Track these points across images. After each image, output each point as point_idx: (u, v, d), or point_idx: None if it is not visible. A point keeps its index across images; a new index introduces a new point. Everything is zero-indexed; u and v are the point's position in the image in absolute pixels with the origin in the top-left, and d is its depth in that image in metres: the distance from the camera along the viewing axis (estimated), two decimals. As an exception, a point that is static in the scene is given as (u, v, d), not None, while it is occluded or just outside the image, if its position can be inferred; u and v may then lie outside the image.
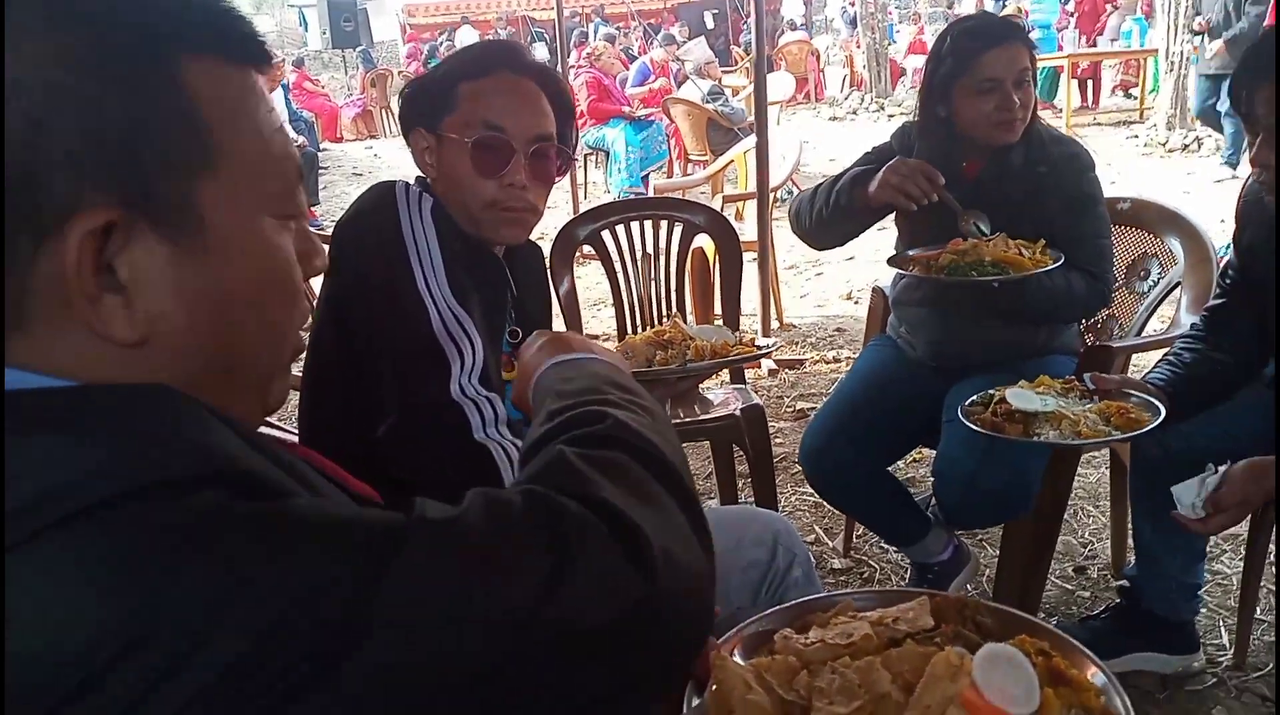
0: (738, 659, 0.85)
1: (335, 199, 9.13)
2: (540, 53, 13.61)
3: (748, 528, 1.35)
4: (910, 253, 1.99)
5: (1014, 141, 1.95)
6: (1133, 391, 1.66)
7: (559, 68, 7.19)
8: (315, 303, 1.34)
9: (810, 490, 2.73)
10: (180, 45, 0.55)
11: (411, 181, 1.37)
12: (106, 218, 0.51)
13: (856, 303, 4.92)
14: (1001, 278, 1.81)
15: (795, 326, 4.70)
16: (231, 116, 0.57)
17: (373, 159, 12.37)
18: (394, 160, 11.59)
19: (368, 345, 1.25)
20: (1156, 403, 1.60)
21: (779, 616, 0.93)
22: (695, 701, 0.80)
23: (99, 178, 0.51)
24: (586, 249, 2.60)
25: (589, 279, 4.68)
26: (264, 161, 0.59)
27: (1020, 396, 1.63)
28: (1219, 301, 1.79)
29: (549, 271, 2.43)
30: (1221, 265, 1.88)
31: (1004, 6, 13.06)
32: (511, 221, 1.35)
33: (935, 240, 1.95)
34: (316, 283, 1.07)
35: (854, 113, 13.67)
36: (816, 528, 2.69)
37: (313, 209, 8.17)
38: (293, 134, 8.72)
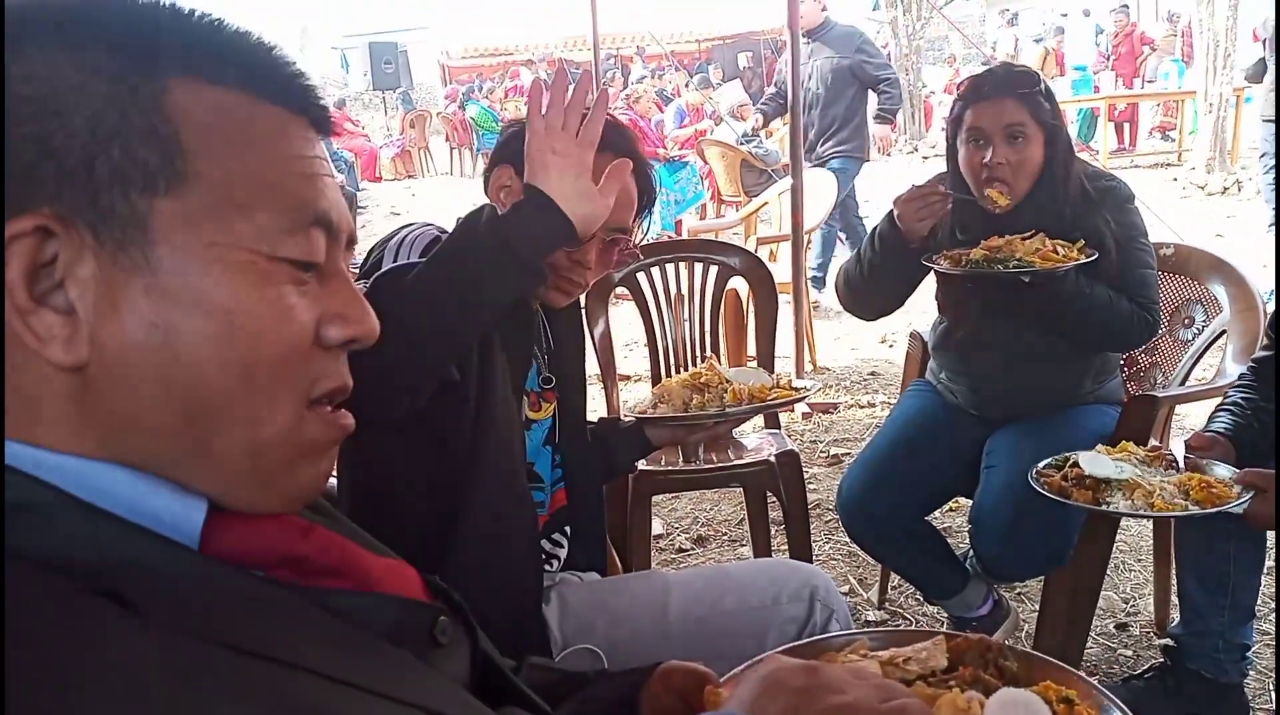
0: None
1: (372, 239, 9.23)
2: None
3: (786, 582, 1.33)
4: (945, 252, 1.95)
5: (1005, 206, 1.91)
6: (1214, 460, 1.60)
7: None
8: None
9: (844, 538, 2.69)
10: (174, 67, 0.54)
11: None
12: (39, 221, 0.49)
13: (891, 347, 4.89)
14: (1032, 270, 1.77)
15: (829, 370, 4.67)
16: (222, 145, 0.54)
17: (410, 199, 12.54)
18: (432, 200, 11.74)
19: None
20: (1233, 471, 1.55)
21: (798, 649, 0.89)
22: None
23: (46, 183, 0.50)
24: (620, 290, 2.60)
25: (623, 319, 4.68)
26: (253, 195, 0.55)
27: (1094, 461, 1.57)
28: (1267, 351, 1.75)
29: (585, 310, 2.45)
30: (1270, 313, 1.84)
31: (1043, 49, 13.08)
32: (562, 292, 1.35)
33: (979, 302, 1.94)
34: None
35: (888, 154, 13.67)
36: (851, 578, 2.64)
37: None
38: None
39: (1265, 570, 1.86)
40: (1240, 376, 1.79)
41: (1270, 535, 2.04)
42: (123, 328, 0.51)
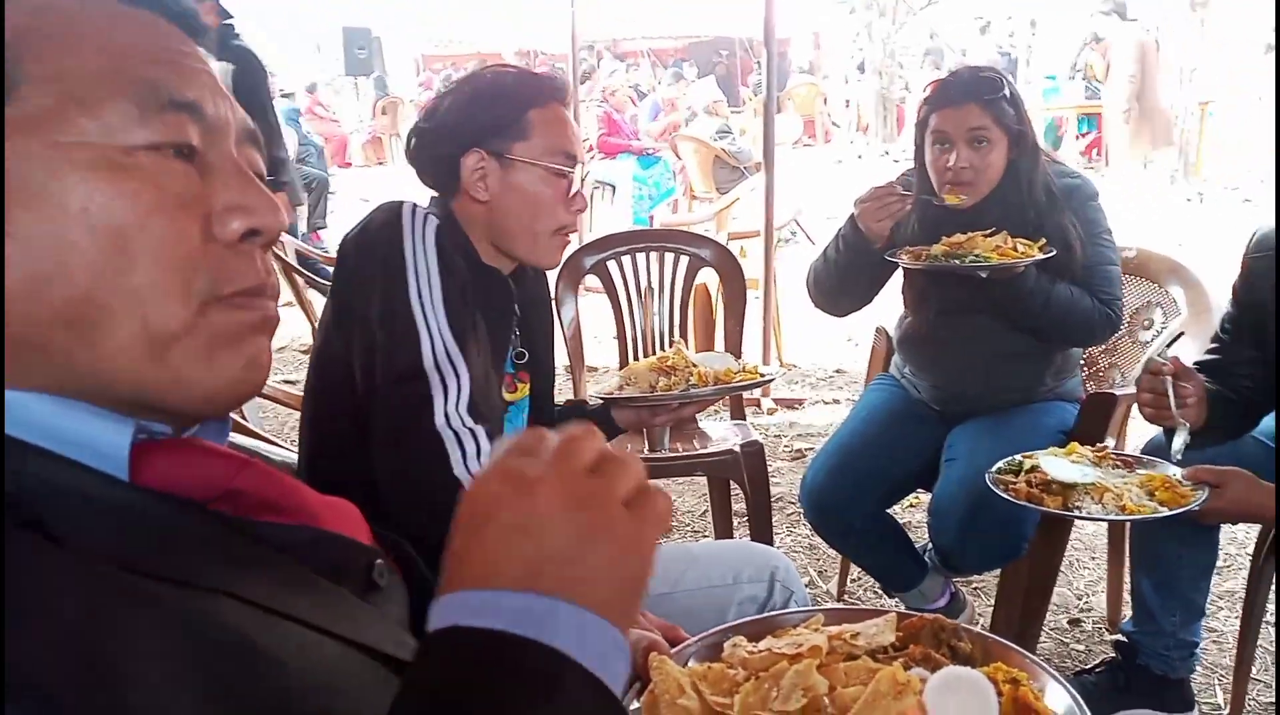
0: (691, 665, 0.82)
1: (343, 225, 9.16)
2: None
3: (747, 562, 1.34)
4: (907, 248, 1.98)
5: (967, 205, 1.95)
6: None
7: (573, 101, 7.27)
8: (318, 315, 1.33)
9: (805, 531, 2.71)
10: None
11: (422, 202, 1.38)
12: None
13: (856, 345, 4.92)
14: (990, 265, 1.80)
15: (795, 366, 4.70)
16: (48, 43, 0.52)
17: (381, 186, 12.43)
18: (403, 187, 11.65)
19: (361, 366, 1.24)
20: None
21: (741, 628, 0.89)
22: (634, 705, 0.78)
23: None
24: (589, 282, 2.60)
25: (591, 311, 4.68)
26: (94, 88, 0.52)
27: (1057, 466, 1.59)
28: (1214, 355, 1.79)
29: (554, 298, 2.45)
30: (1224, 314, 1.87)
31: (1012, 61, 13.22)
32: (564, 245, 1.43)
33: (941, 297, 1.96)
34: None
35: (859, 156, 13.77)
36: (811, 570, 2.66)
37: (319, 233, 8.21)
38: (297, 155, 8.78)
39: (1214, 571, 1.91)
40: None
41: (1230, 537, 2.10)
42: None
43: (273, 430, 3.30)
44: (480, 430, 1.21)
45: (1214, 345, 1.80)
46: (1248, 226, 1.76)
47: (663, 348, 2.59)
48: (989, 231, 1.88)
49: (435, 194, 1.42)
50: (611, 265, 2.56)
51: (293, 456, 1.36)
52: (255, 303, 0.58)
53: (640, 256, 2.59)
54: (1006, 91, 1.94)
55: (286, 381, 4.10)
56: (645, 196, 7.53)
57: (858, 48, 16.20)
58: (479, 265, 1.37)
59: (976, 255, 1.82)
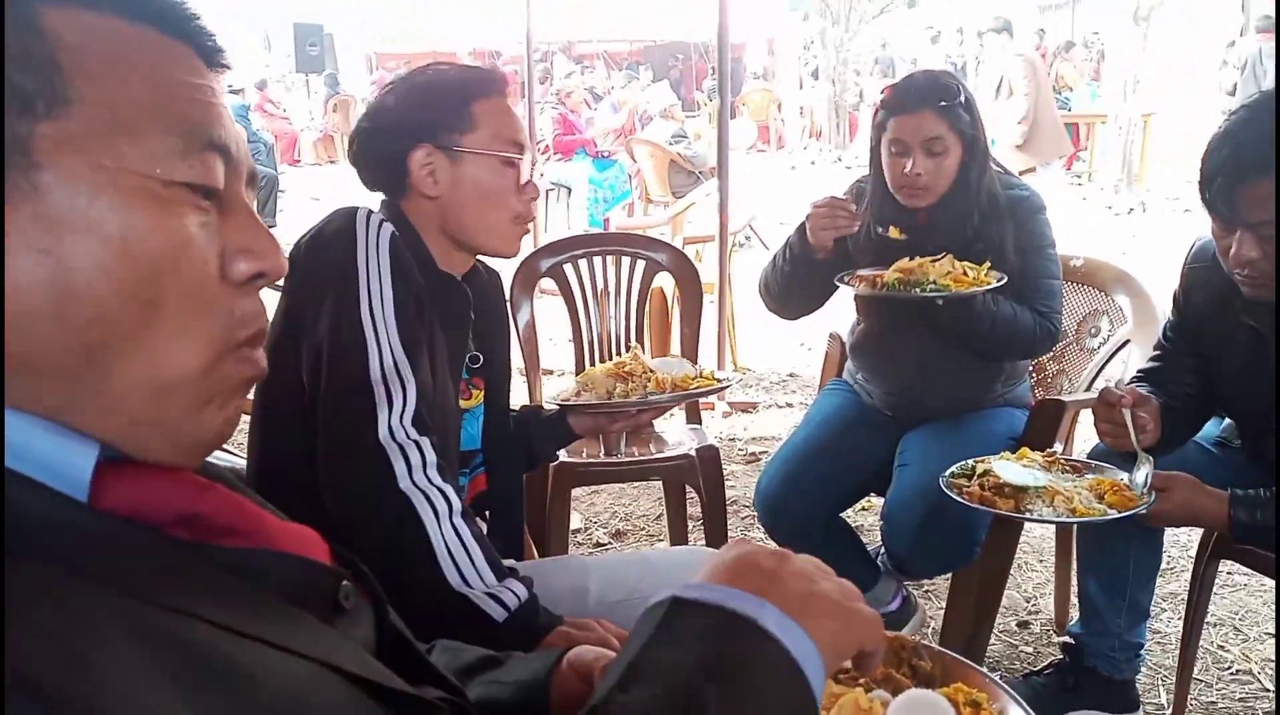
0: None
1: (293, 224, 9.03)
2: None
3: (700, 570, 1.33)
4: (859, 272, 2.00)
5: (918, 207, 1.98)
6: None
7: (525, 102, 7.22)
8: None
9: (760, 534, 2.71)
10: None
11: (375, 207, 1.35)
12: None
13: (810, 350, 4.96)
14: (945, 294, 1.82)
15: (750, 370, 4.72)
16: (103, 66, 0.52)
17: (331, 184, 12.28)
18: (354, 186, 11.50)
19: (309, 376, 1.22)
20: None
21: None
22: None
23: None
24: (546, 284, 2.59)
25: (547, 313, 4.66)
26: (141, 117, 0.53)
27: (1009, 470, 1.61)
28: (1156, 363, 1.82)
29: (509, 301, 2.43)
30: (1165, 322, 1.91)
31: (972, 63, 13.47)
32: (523, 234, 1.42)
33: (893, 315, 1.98)
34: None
35: (813, 162, 13.91)
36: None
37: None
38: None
39: (1160, 572, 1.95)
40: (1134, 377, 1.85)
41: (1173, 540, 2.15)
42: (12, 258, 0.48)
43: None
44: (425, 442, 1.19)
45: (1156, 353, 1.84)
46: (1188, 236, 1.80)
47: (619, 351, 2.59)
48: (936, 257, 1.90)
49: (384, 197, 1.39)
50: (568, 268, 2.55)
51: (243, 462, 1.33)
52: (255, 355, 0.59)
53: (596, 260, 2.58)
54: (962, 97, 1.96)
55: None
56: (601, 199, 7.52)
57: (811, 55, 16.36)
58: (435, 272, 1.35)
59: (934, 283, 1.83)
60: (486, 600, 1.15)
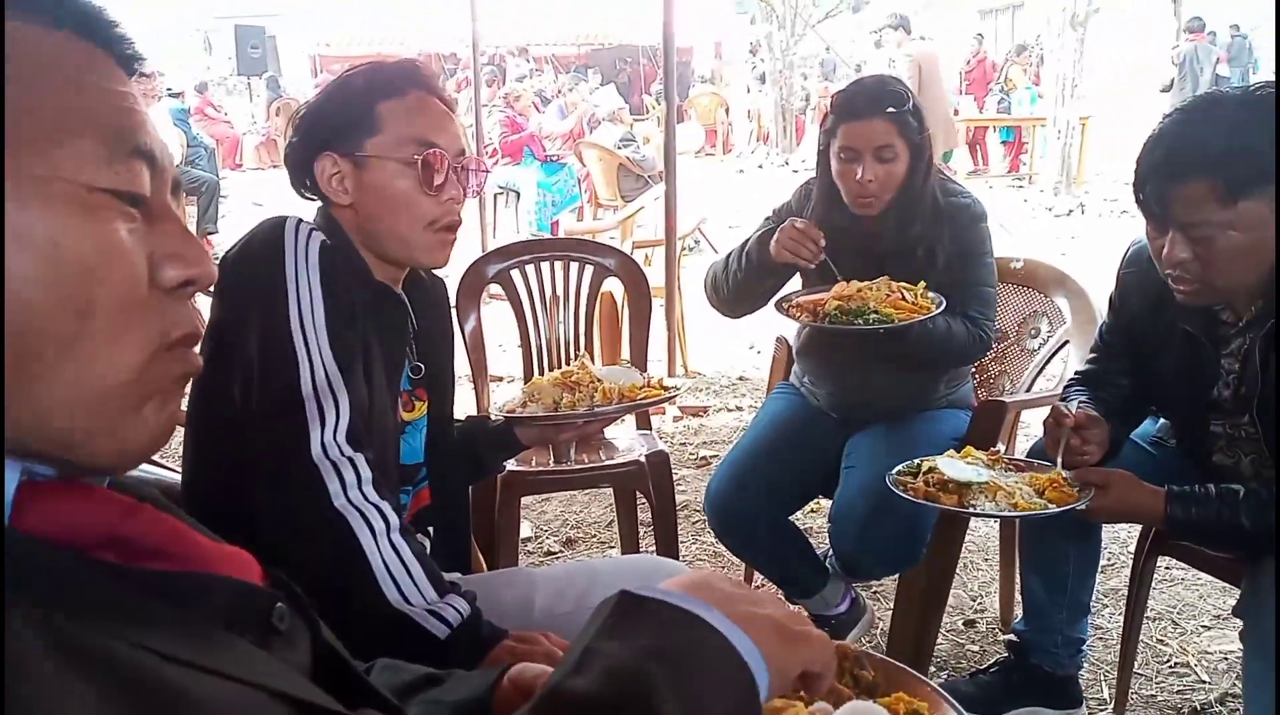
0: None
1: (235, 229, 8.86)
2: (451, 89, 13.57)
3: (651, 576, 1.32)
4: (795, 297, 2.02)
5: (871, 214, 2.00)
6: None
7: (473, 105, 7.17)
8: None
9: (711, 539, 2.72)
10: None
11: (307, 216, 1.32)
12: None
13: (759, 352, 4.99)
14: (887, 326, 1.84)
15: (700, 373, 4.73)
16: (27, 72, 0.51)
17: (274, 189, 12.08)
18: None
19: (240, 392, 1.17)
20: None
21: None
22: None
23: None
24: (494, 289, 2.57)
25: (495, 319, 4.63)
26: (66, 123, 0.52)
27: (953, 467, 1.63)
28: (1093, 364, 1.86)
29: (455, 308, 2.40)
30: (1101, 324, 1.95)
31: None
32: (447, 241, 1.34)
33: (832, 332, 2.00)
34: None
35: (760, 166, 14.00)
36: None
37: (210, 238, 7.91)
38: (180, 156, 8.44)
39: (1100, 569, 1.99)
40: (1071, 380, 1.89)
41: (1113, 537, 2.20)
42: None
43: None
44: (360, 458, 1.16)
45: (1093, 355, 1.88)
46: (1126, 237, 1.84)
47: (568, 357, 2.57)
48: (876, 282, 1.91)
49: (319, 204, 1.35)
50: (515, 274, 2.53)
51: (177, 477, 1.29)
52: (188, 353, 0.58)
53: (544, 265, 2.57)
54: (910, 104, 1.98)
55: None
56: (549, 203, 7.49)
57: (758, 59, 16.47)
58: (370, 282, 1.31)
59: (877, 313, 1.85)
60: (428, 618, 1.13)
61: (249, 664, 0.55)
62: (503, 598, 1.27)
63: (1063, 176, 10.02)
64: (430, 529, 1.44)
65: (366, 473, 1.15)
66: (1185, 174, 1.44)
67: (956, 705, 0.78)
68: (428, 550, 1.43)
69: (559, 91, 10.16)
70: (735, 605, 0.62)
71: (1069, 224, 8.90)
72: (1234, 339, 1.59)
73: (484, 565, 1.64)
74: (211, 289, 0.63)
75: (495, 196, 8.04)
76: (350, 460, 1.15)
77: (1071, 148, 10.06)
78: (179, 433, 1.23)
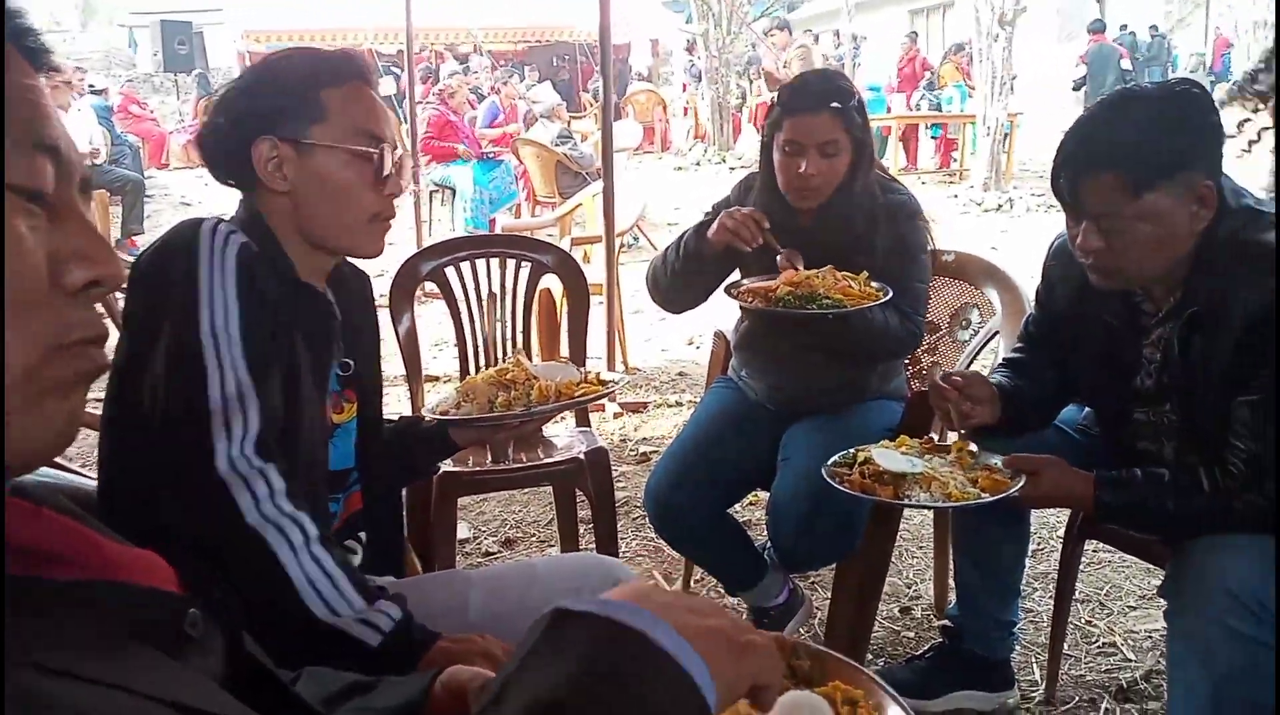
0: None
1: (161, 230, 8.63)
2: (387, 87, 13.36)
3: (589, 575, 1.32)
4: (744, 283, 2.03)
5: (808, 208, 2.02)
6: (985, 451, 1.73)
7: (407, 102, 7.08)
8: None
9: (651, 534, 2.73)
10: None
11: (227, 216, 1.27)
12: None
13: (698, 348, 5.02)
14: (836, 311, 1.86)
15: (640, 370, 4.74)
16: None
17: (203, 188, 11.78)
18: (226, 190, 11.06)
19: (150, 402, 1.12)
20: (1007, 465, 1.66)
21: None
22: None
23: None
24: (429, 288, 2.54)
25: (431, 318, 4.58)
26: None
27: (888, 457, 1.65)
28: (1019, 353, 1.90)
29: (389, 307, 2.37)
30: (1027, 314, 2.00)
31: (849, 65, 13.90)
32: (386, 230, 1.32)
33: (776, 315, 2.01)
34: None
35: (698, 163, 14.06)
36: (656, 573, 2.68)
37: (134, 239, 7.70)
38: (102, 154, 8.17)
39: (1029, 553, 2.03)
40: (998, 367, 1.93)
41: (1041, 522, 2.26)
42: None
43: (79, 453, 3.06)
44: (271, 469, 1.12)
45: (1019, 345, 1.92)
46: (1053, 231, 1.88)
47: (506, 356, 2.55)
48: (819, 271, 1.93)
49: (242, 195, 1.31)
50: (450, 272, 2.50)
51: (93, 483, 1.25)
52: (91, 351, 0.56)
53: (480, 262, 2.54)
54: (854, 100, 2.00)
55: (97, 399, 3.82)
56: (486, 200, 7.42)
57: (695, 57, 16.53)
58: (294, 283, 1.27)
59: (828, 298, 1.87)
60: (358, 626, 1.11)
61: (154, 676, 0.52)
62: (438, 601, 1.25)
63: (992, 173, 10.23)
64: (362, 534, 1.41)
65: (280, 484, 1.12)
66: (1095, 166, 1.50)
67: (892, 692, 0.79)
68: (360, 556, 1.40)
69: (494, 88, 10.06)
70: (681, 616, 0.58)
71: (998, 219, 9.10)
72: (1154, 329, 1.64)
73: (420, 568, 1.61)
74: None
75: (431, 194, 7.95)
76: (260, 472, 1.11)
77: (1000, 145, 10.28)
78: (94, 438, 1.19)
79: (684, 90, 17.64)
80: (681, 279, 2.10)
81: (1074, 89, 13.27)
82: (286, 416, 1.19)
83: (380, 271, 2.54)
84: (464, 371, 2.52)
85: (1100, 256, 1.54)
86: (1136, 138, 1.47)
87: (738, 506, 2.30)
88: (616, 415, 4.05)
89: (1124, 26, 17.14)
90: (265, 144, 1.24)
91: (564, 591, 1.30)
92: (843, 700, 0.78)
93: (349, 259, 1.40)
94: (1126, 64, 13.54)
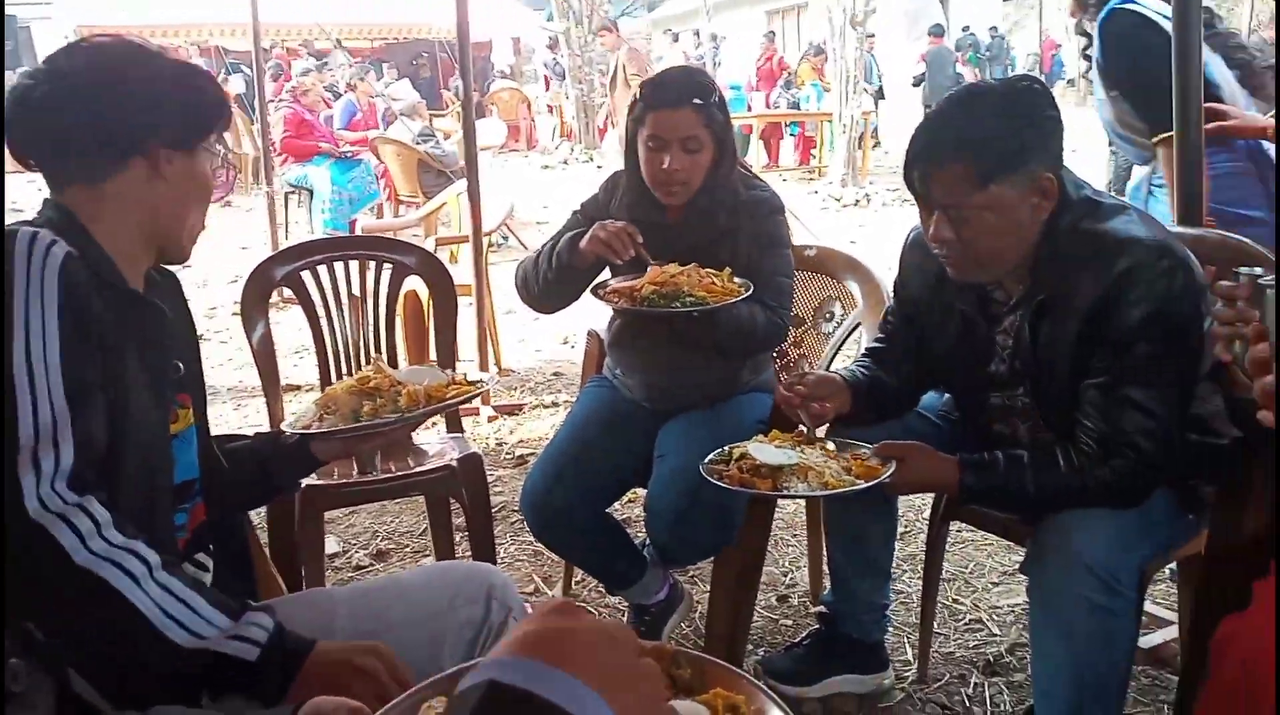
0: None
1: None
2: (236, 85, 12.78)
3: (462, 585, 1.28)
4: (611, 283, 2.03)
5: (675, 204, 2.04)
6: (854, 441, 1.76)
7: (255, 101, 6.78)
8: None
9: (529, 538, 2.69)
10: None
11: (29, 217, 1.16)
12: None
13: (573, 347, 4.99)
14: (701, 308, 1.87)
15: (514, 371, 4.68)
16: None
17: (34, 193, 11.00)
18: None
19: None
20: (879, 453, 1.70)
21: (443, 683, 0.84)
22: None
23: None
24: (288, 293, 2.42)
25: (292, 324, 4.40)
26: None
27: (764, 451, 1.66)
28: (880, 343, 1.96)
29: (241, 314, 2.25)
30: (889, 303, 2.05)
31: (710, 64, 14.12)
32: (192, 238, 1.30)
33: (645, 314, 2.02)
34: None
35: (565, 162, 14.02)
36: (535, 577, 2.64)
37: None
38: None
39: (897, 536, 2.09)
40: (860, 357, 1.98)
41: (908, 506, 2.34)
42: None
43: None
44: (92, 501, 1.03)
45: (880, 335, 1.98)
46: (909, 225, 1.94)
47: (363, 363, 2.46)
48: (682, 269, 1.94)
49: (50, 194, 1.20)
50: (306, 276, 2.39)
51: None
52: None
53: (339, 265, 2.44)
54: (716, 96, 2.02)
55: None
56: (346, 201, 7.18)
57: (558, 55, 16.47)
58: (122, 291, 1.18)
59: (693, 297, 1.87)
60: (232, 644, 1.04)
61: None
62: (302, 622, 1.18)
63: (849, 169, 10.58)
64: (210, 547, 1.32)
65: (104, 515, 1.03)
66: (943, 158, 1.56)
67: (772, 695, 0.79)
68: (210, 572, 1.31)
69: (350, 85, 9.75)
70: (625, 689, 0.53)
71: (857, 214, 9.41)
72: (1006, 317, 1.71)
73: (284, 588, 1.52)
74: None
75: (287, 196, 7.66)
76: (79, 506, 1.01)
77: (856, 142, 10.64)
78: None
79: (547, 88, 17.55)
80: (554, 286, 2.09)
81: (914, 85, 14.09)
82: (114, 437, 1.10)
83: (234, 277, 2.42)
84: (325, 380, 2.42)
85: (952, 247, 1.60)
86: (983, 131, 1.53)
87: (616, 505, 2.29)
88: (491, 418, 3.99)
89: (966, 28, 18.07)
90: (159, 148, 1.19)
91: (436, 605, 1.25)
92: (724, 707, 0.77)
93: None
94: (961, 67, 14.53)
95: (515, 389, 4.42)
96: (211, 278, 6.39)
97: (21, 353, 1.03)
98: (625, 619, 2.28)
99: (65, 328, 1.05)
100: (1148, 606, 1.98)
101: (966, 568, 2.61)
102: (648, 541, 2.19)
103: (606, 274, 2.13)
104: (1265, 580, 1.29)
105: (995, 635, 2.29)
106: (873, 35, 15.44)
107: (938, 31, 14.24)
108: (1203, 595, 1.54)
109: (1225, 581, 1.43)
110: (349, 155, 7.45)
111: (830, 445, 1.75)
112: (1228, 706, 1.24)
